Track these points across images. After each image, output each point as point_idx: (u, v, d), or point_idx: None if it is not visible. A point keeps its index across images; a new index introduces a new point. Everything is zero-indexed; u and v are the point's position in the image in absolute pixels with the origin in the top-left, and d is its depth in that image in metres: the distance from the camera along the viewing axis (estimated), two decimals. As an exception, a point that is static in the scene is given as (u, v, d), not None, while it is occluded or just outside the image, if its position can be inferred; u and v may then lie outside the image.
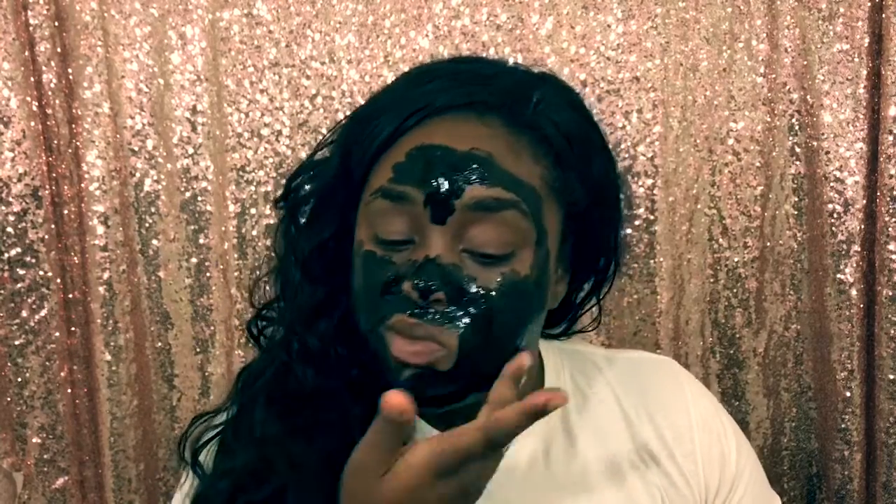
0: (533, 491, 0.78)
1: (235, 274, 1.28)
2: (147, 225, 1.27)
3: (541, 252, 0.72)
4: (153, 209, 1.27)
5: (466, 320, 0.68)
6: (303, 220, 0.80)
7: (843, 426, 1.31)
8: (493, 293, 0.69)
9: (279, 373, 0.77)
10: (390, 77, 1.26)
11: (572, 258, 0.78)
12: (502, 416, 0.58)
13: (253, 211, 1.27)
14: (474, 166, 0.69)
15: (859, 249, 1.28)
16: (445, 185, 0.69)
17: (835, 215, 1.28)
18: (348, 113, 1.25)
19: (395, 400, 0.58)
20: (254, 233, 1.28)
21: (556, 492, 0.78)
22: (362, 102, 1.24)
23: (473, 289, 0.69)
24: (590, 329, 0.94)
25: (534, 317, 0.73)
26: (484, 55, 1.27)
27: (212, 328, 1.28)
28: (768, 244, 1.33)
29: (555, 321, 0.87)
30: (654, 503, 0.80)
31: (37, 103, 1.21)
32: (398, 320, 0.69)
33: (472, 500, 0.63)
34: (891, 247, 1.25)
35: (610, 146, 0.82)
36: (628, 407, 0.83)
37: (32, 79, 1.21)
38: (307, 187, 0.80)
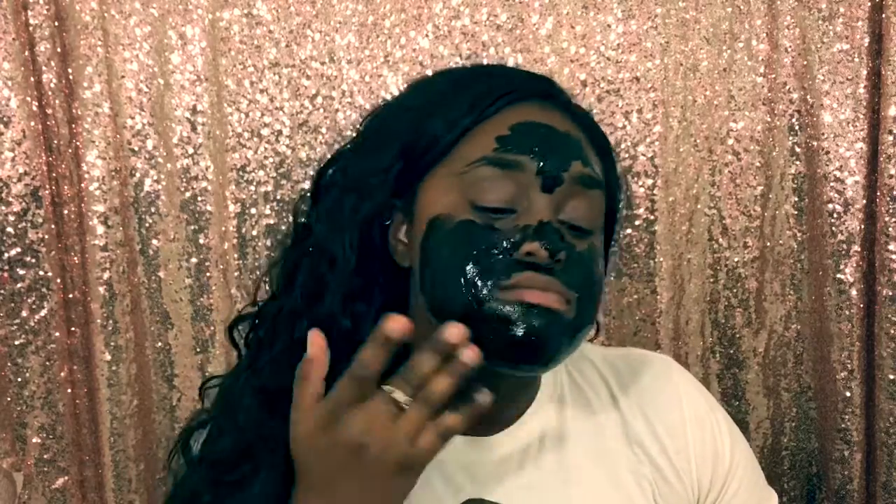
0: (526, 482, 0.79)
1: (235, 274, 1.28)
2: (147, 225, 1.27)
3: (601, 235, 0.78)
4: (153, 209, 1.27)
5: (579, 279, 0.72)
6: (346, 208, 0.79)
7: (843, 426, 1.31)
8: (587, 258, 0.74)
9: (269, 366, 0.79)
10: (390, 77, 1.26)
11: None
12: (360, 353, 0.64)
13: (253, 211, 1.27)
14: (574, 145, 0.75)
15: (859, 249, 1.28)
16: (557, 158, 0.73)
17: (835, 215, 1.28)
18: (348, 113, 1.26)
19: (396, 321, 0.63)
20: (254, 233, 1.28)
21: (548, 483, 0.80)
22: (362, 102, 1.25)
23: (577, 252, 0.73)
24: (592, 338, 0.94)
25: (601, 290, 0.78)
26: (484, 55, 1.27)
27: (212, 328, 1.28)
28: (768, 244, 1.33)
29: None
30: (644, 497, 0.81)
31: (37, 103, 1.21)
32: (525, 278, 0.70)
33: (374, 459, 0.64)
34: (891, 247, 1.25)
35: None
36: (622, 402, 0.85)
37: (32, 79, 1.21)
38: (351, 175, 0.80)
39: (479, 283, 0.70)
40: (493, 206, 0.72)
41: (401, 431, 0.63)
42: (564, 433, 0.82)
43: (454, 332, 0.63)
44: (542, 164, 0.73)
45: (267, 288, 0.86)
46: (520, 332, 0.69)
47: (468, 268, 0.71)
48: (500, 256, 0.71)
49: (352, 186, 0.79)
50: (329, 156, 0.85)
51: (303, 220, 0.84)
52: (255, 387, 0.79)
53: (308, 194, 0.85)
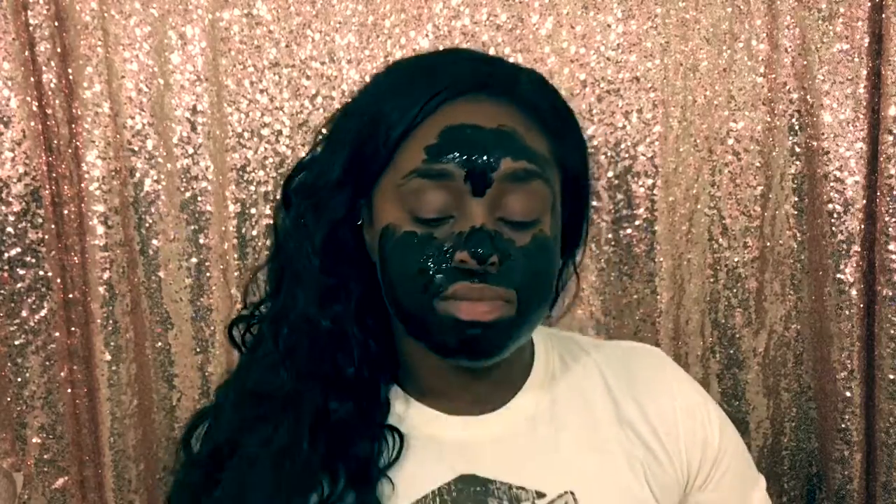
0: (518, 459, 0.82)
1: (235, 274, 1.28)
2: (147, 225, 1.27)
3: (555, 216, 0.79)
4: (153, 209, 1.27)
5: (519, 276, 0.75)
6: (308, 213, 0.83)
7: (842, 426, 1.31)
8: (531, 250, 0.76)
9: (259, 364, 0.83)
10: (390, 77, 1.26)
11: (563, 224, 0.84)
12: None
13: (253, 211, 1.27)
14: (503, 141, 0.76)
15: (859, 249, 1.28)
16: (483, 160, 0.74)
17: (835, 215, 1.28)
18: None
19: None
20: (254, 233, 1.28)
21: (539, 460, 0.82)
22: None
23: (516, 250, 0.75)
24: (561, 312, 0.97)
25: (555, 272, 0.81)
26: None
27: (212, 328, 1.28)
28: (768, 244, 1.33)
29: None
30: (636, 477, 0.83)
31: (37, 103, 1.22)
32: (461, 288, 0.74)
33: None
34: (891, 247, 1.25)
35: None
36: (614, 387, 0.87)
37: (32, 79, 1.21)
38: (308, 184, 0.84)
39: (423, 293, 0.75)
40: (430, 217, 0.75)
41: None
42: (556, 413, 0.84)
43: None
44: (468, 169, 0.74)
45: (256, 291, 0.89)
46: (463, 338, 0.75)
47: (413, 279, 0.75)
48: (439, 267, 0.74)
49: (312, 195, 0.82)
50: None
51: (276, 226, 0.88)
52: (238, 389, 0.83)
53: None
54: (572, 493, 0.81)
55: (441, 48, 1.26)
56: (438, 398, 0.83)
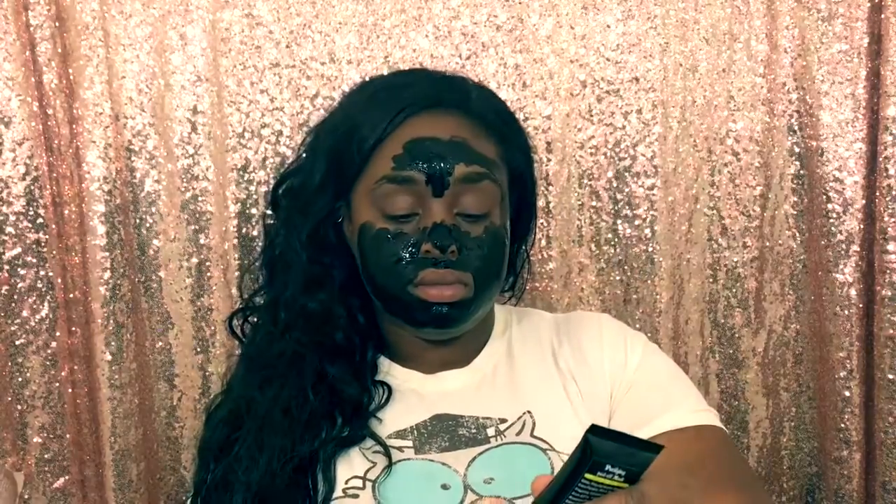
0: (484, 397, 0.98)
1: (236, 274, 1.28)
2: (147, 225, 1.27)
3: (503, 208, 0.96)
4: (154, 209, 1.27)
5: (474, 262, 0.92)
6: (295, 213, 1.00)
7: (842, 426, 1.31)
8: (484, 239, 0.93)
9: (261, 341, 0.99)
10: (390, 77, 1.26)
11: (513, 213, 1.00)
12: None
13: (253, 211, 1.28)
14: (457, 150, 0.93)
15: (858, 249, 1.28)
16: (441, 167, 0.92)
17: (834, 215, 1.29)
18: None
19: None
20: (254, 233, 1.28)
21: (501, 393, 0.98)
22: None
23: (471, 240, 0.93)
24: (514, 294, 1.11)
25: (506, 255, 0.97)
26: (484, 55, 1.27)
27: (212, 328, 1.29)
28: (768, 244, 1.33)
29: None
30: (573, 407, 0.97)
31: (37, 103, 1.22)
32: (427, 274, 0.91)
33: None
34: (889, 247, 1.26)
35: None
36: (554, 338, 1.03)
37: (33, 79, 1.21)
38: (296, 188, 1.01)
39: (398, 280, 0.92)
40: (398, 215, 0.92)
41: None
42: (512, 354, 1.02)
43: None
44: (428, 175, 0.91)
45: (247, 288, 1.08)
46: (431, 315, 0.93)
47: (389, 269, 0.93)
48: (409, 258, 0.92)
49: (298, 199, 1.00)
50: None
51: (268, 225, 1.06)
52: (246, 363, 1.00)
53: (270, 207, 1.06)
54: (529, 412, 0.96)
55: (441, 49, 1.27)
56: (416, 362, 0.99)
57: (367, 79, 1.05)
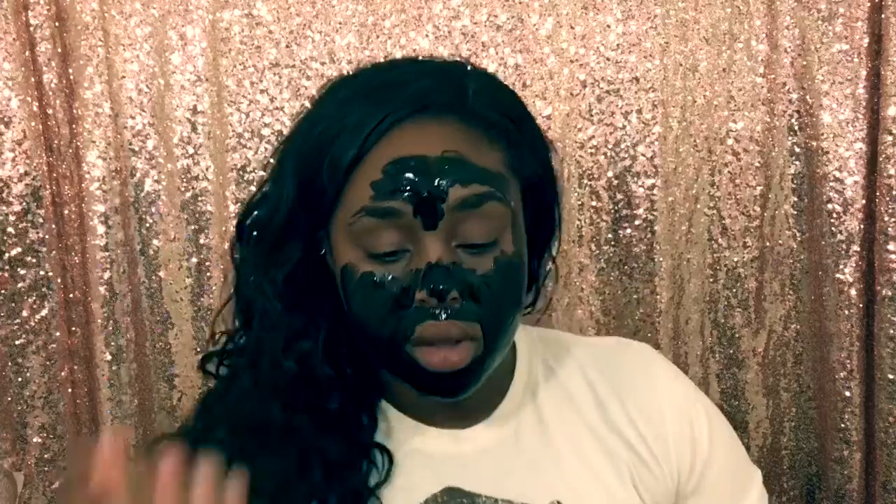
0: (504, 471, 0.81)
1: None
2: (147, 225, 1.27)
3: (517, 229, 0.77)
4: (154, 209, 1.27)
5: (482, 308, 0.74)
6: (264, 253, 0.82)
7: (842, 426, 1.31)
8: (493, 276, 0.74)
9: (232, 398, 0.81)
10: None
11: (529, 226, 0.81)
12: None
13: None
14: (450, 169, 0.73)
15: (858, 249, 1.28)
16: (430, 193, 0.72)
17: (834, 215, 1.29)
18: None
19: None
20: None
21: (527, 470, 0.81)
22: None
23: (477, 278, 0.73)
24: (541, 313, 0.94)
25: (523, 285, 0.79)
26: (483, 55, 1.27)
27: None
28: (768, 244, 1.33)
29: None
30: (622, 483, 0.82)
31: (37, 103, 1.22)
32: (423, 330, 0.73)
33: None
34: (890, 247, 1.25)
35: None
36: (598, 388, 0.85)
37: (33, 79, 1.21)
38: (263, 220, 0.82)
39: (392, 338, 0.74)
40: (384, 252, 0.73)
41: None
42: (542, 419, 0.83)
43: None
44: (415, 204, 0.72)
45: (223, 326, 0.87)
46: (438, 384, 0.75)
47: (380, 324, 0.74)
48: (401, 310, 0.73)
49: (265, 240, 0.81)
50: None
51: (237, 261, 0.86)
52: (231, 418, 0.80)
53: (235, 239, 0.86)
54: (559, 503, 0.80)
55: (441, 49, 1.26)
56: (423, 413, 0.82)
57: (342, 75, 0.85)
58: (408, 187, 0.72)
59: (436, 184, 0.72)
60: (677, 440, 0.84)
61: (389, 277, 0.73)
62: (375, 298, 0.74)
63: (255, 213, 0.84)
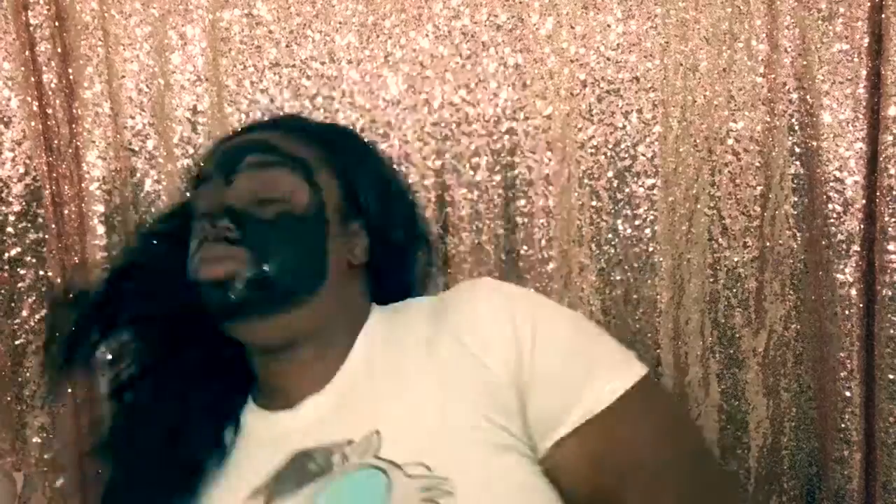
0: (339, 423, 0.88)
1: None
2: (147, 225, 1.27)
3: (315, 199, 0.92)
4: (154, 209, 1.27)
5: (255, 239, 0.88)
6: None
7: (842, 426, 1.31)
8: (271, 219, 0.89)
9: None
10: (390, 77, 1.26)
11: (370, 223, 0.96)
12: None
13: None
14: (250, 144, 0.94)
15: (859, 249, 1.28)
16: (230, 156, 0.93)
17: (834, 215, 1.29)
18: (348, 113, 1.27)
19: None
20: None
21: (353, 414, 0.88)
22: (362, 102, 1.25)
23: (256, 219, 0.89)
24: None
25: (316, 248, 0.91)
26: (484, 55, 1.27)
27: (212, 328, 1.28)
28: (768, 244, 1.33)
29: (394, 290, 1.02)
30: (451, 399, 0.85)
31: (37, 103, 1.22)
32: (201, 253, 0.89)
33: None
34: (890, 247, 1.25)
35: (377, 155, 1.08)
36: (429, 324, 0.91)
37: (33, 79, 1.21)
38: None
39: (188, 268, 0.91)
40: (202, 212, 0.91)
41: None
42: (372, 371, 0.91)
43: None
44: (218, 164, 0.93)
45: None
46: (211, 297, 0.89)
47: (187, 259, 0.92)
48: (195, 247, 0.90)
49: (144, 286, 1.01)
50: None
51: None
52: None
53: None
54: (377, 432, 0.85)
55: (441, 48, 1.26)
56: (271, 396, 0.94)
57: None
58: (217, 158, 0.95)
59: (236, 152, 0.93)
60: (499, 337, 0.86)
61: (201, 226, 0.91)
62: (191, 242, 0.92)
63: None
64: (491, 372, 0.86)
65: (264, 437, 0.92)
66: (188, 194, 1.04)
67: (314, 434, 0.88)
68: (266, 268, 0.88)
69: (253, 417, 0.95)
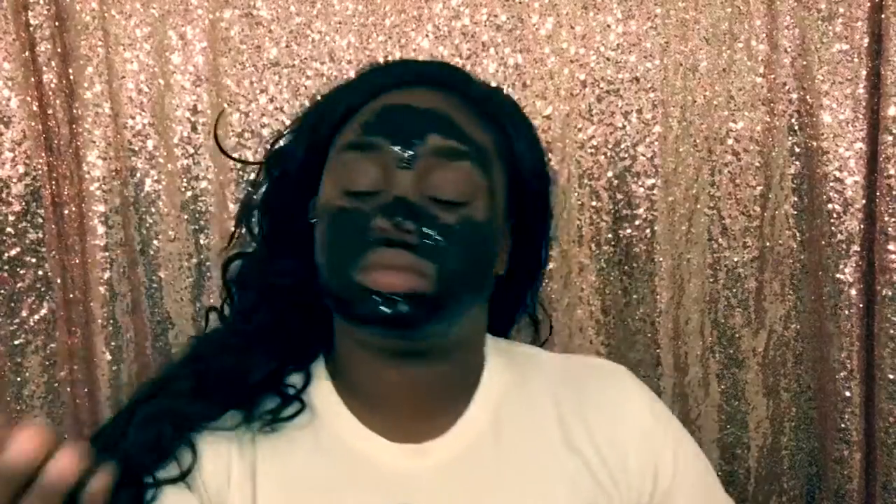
0: (458, 489, 0.79)
1: (236, 274, 1.27)
2: (147, 225, 1.27)
3: (493, 204, 0.79)
4: (154, 209, 1.27)
5: (439, 252, 0.75)
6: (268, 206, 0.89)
7: (842, 426, 1.31)
8: (456, 228, 0.75)
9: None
10: (390, 77, 1.26)
11: (515, 227, 0.85)
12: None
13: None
14: (434, 120, 0.78)
15: (859, 249, 1.28)
16: (410, 132, 0.77)
17: (834, 215, 1.29)
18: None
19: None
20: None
21: (479, 491, 0.79)
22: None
23: (440, 225, 0.75)
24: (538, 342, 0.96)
25: (488, 261, 0.80)
26: (484, 55, 1.27)
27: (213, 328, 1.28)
28: (768, 244, 1.33)
29: (499, 318, 0.91)
30: (575, 501, 0.80)
31: (37, 103, 1.22)
32: (376, 257, 0.74)
33: None
34: (890, 247, 1.25)
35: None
36: (564, 406, 0.84)
37: (33, 79, 1.21)
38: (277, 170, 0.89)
39: (344, 264, 0.75)
40: (359, 190, 0.76)
41: None
42: (500, 440, 0.81)
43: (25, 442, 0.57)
44: (394, 140, 0.76)
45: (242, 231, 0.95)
46: (377, 306, 0.74)
47: (336, 253, 0.76)
48: (359, 238, 0.75)
49: (271, 197, 0.89)
50: None
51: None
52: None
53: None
54: None
55: (441, 48, 1.26)
56: (375, 412, 0.80)
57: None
58: (392, 126, 0.77)
59: (418, 127, 0.77)
60: (639, 469, 0.83)
61: (360, 210, 0.76)
62: (340, 229, 0.76)
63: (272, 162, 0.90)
64: (621, 499, 0.82)
65: (360, 456, 0.80)
66: (320, 117, 0.85)
67: (426, 490, 0.78)
68: (445, 287, 0.75)
69: (339, 418, 0.82)
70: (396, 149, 0.76)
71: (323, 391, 0.83)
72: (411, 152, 0.76)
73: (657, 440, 0.85)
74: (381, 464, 0.79)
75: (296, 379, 0.83)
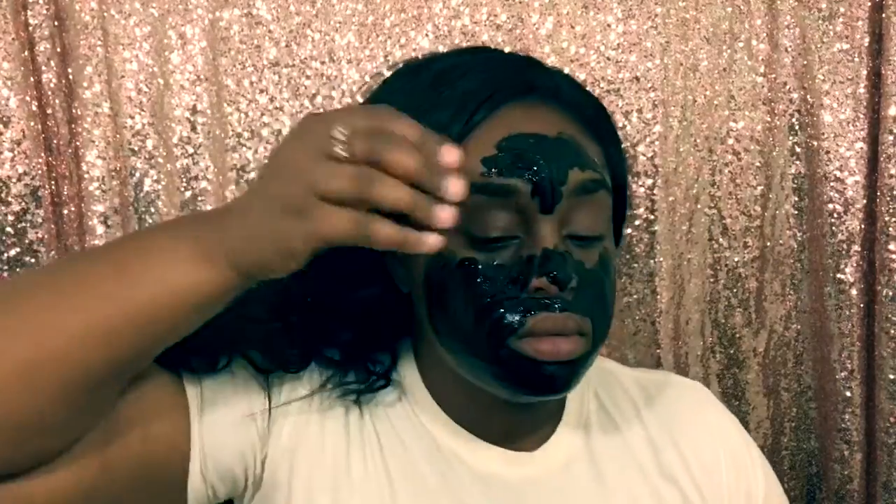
0: (581, 484, 0.76)
1: (235, 274, 1.27)
2: (146, 225, 1.27)
3: (611, 228, 0.73)
4: (153, 209, 1.26)
5: (590, 303, 0.68)
6: None
7: (842, 426, 1.31)
8: (599, 271, 0.69)
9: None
10: (390, 77, 1.26)
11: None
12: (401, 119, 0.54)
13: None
14: (568, 151, 0.68)
15: (859, 249, 1.28)
16: (551, 173, 0.66)
17: (835, 215, 1.29)
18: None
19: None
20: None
21: (603, 488, 0.76)
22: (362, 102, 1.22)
23: (587, 271, 0.68)
24: None
25: (615, 291, 0.74)
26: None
27: (212, 328, 1.28)
28: (768, 244, 1.33)
29: None
30: None
31: (36, 103, 1.21)
32: (539, 322, 0.66)
33: (289, 193, 0.54)
34: (891, 246, 1.25)
35: None
36: (651, 428, 0.80)
37: (32, 79, 1.21)
38: None
39: (495, 333, 0.66)
40: (492, 237, 0.67)
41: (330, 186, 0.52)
42: (593, 459, 0.77)
43: (452, 155, 0.53)
44: (535, 184, 0.66)
45: None
46: (542, 375, 0.67)
47: (482, 318, 0.67)
48: (511, 299, 0.66)
49: None
50: None
51: None
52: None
53: None
54: None
55: (441, 48, 1.26)
56: (464, 419, 0.74)
57: (417, 58, 0.78)
58: (527, 165, 0.66)
59: (556, 164, 0.66)
60: (732, 492, 0.80)
61: (495, 264, 0.66)
62: (477, 289, 0.66)
63: None
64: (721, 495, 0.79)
65: (457, 457, 0.74)
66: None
67: (523, 500, 0.73)
68: (600, 340, 0.70)
69: (440, 425, 0.75)
70: (541, 194, 0.66)
71: (411, 375, 0.77)
72: (553, 199, 0.66)
73: (746, 460, 0.82)
74: (486, 471, 0.74)
75: (382, 358, 0.77)
